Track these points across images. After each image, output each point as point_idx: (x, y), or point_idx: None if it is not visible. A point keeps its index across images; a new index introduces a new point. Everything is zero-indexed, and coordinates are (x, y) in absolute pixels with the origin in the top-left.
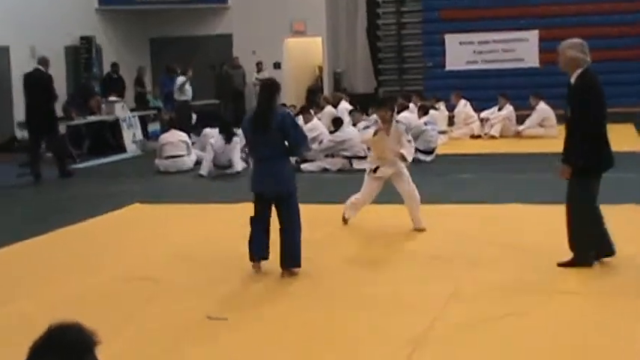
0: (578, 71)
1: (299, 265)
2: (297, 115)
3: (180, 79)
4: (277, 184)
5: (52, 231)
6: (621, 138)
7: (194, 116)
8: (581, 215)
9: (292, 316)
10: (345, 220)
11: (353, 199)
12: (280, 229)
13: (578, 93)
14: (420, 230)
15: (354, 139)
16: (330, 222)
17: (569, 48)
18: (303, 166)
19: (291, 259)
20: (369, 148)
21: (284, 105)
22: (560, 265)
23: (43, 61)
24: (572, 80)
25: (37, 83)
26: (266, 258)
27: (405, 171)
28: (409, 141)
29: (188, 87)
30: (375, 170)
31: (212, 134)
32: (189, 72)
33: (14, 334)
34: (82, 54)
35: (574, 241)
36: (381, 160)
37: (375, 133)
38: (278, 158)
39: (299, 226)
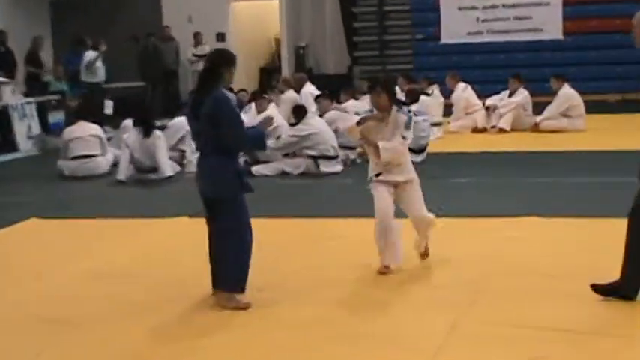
0: None
1: (235, 289)
2: (250, 102)
3: (90, 54)
4: (205, 185)
5: None
6: None
7: (109, 103)
8: None
9: (244, 350)
10: (382, 270)
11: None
12: (213, 241)
13: None
14: (422, 255)
15: (321, 134)
16: (291, 240)
17: None
18: (255, 168)
19: (223, 279)
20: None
21: (230, 89)
22: (594, 287)
23: None
24: None
25: None
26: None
27: (417, 183)
28: (404, 138)
29: (100, 65)
30: (378, 175)
31: (131, 127)
32: (101, 45)
33: None
34: None
35: (627, 265)
36: (385, 166)
37: (360, 122)
38: (209, 153)
39: (241, 240)
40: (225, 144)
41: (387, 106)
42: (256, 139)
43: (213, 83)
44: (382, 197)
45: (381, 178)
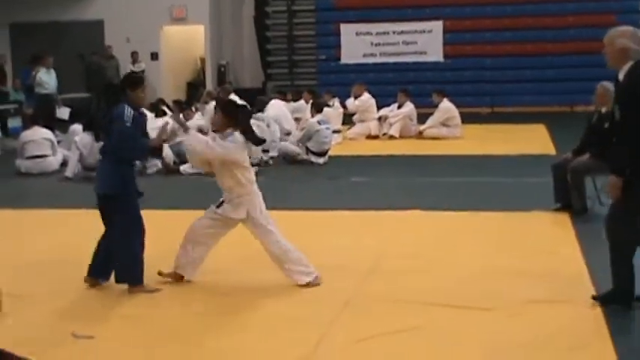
0: (628, 64)
1: (134, 282)
2: (180, 112)
3: (40, 71)
4: (97, 182)
5: None
6: (532, 139)
7: (66, 111)
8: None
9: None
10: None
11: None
12: (106, 236)
13: (628, 92)
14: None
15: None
16: None
17: (619, 37)
18: (183, 167)
19: (120, 275)
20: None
21: (161, 101)
22: (594, 298)
23: None
24: (621, 76)
25: None
26: (102, 277)
27: (259, 220)
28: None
29: (48, 79)
30: (219, 205)
31: (79, 131)
32: (45, 61)
33: None
34: None
35: (615, 272)
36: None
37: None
38: (105, 157)
39: (130, 237)
40: (115, 151)
41: (219, 126)
42: (138, 150)
43: (119, 101)
44: (199, 220)
45: (219, 209)
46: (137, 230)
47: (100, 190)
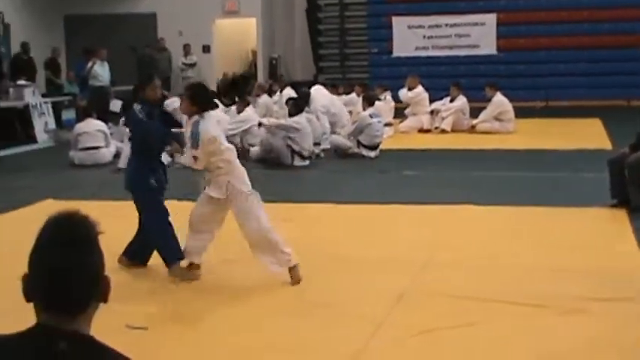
0: None
1: (174, 261)
2: (232, 104)
3: (91, 64)
4: (125, 179)
5: None
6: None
7: (118, 103)
8: None
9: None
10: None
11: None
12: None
13: None
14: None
15: (302, 133)
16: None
17: None
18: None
19: (163, 259)
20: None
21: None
22: None
23: None
24: None
25: None
26: (131, 258)
27: (240, 201)
28: (194, 157)
29: (101, 71)
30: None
31: None
32: (100, 54)
33: None
34: None
35: None
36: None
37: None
38: (133, 154)
39: (160, 227)
40: (139, 147)
41: (185, 112)
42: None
43: (133, 101)
44: (197, 204)
45: (205, 190)
46: (163, 214)
47: (127, 186)
